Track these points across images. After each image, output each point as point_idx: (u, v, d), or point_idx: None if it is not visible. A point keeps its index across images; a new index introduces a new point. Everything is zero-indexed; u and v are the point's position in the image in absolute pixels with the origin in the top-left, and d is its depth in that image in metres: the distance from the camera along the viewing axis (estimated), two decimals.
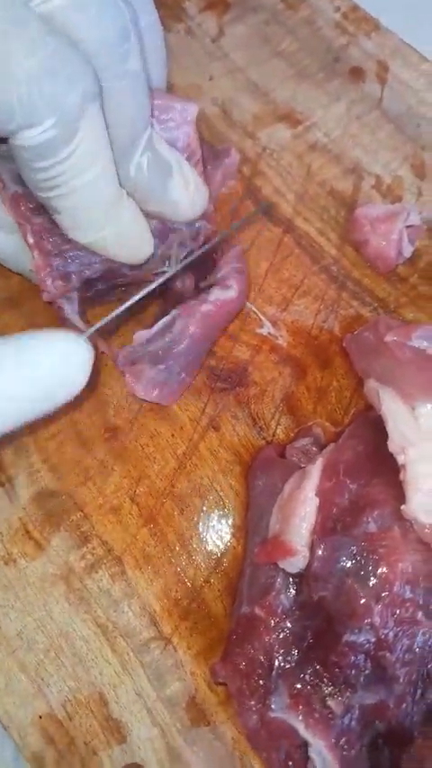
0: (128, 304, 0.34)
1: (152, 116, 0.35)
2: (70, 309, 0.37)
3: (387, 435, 0.34)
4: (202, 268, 0.41)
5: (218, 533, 0.38)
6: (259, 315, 0.43)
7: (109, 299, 0.41)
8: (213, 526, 0.38)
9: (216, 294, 0.39)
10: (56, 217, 0.35)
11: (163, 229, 0.38)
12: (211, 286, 0.40)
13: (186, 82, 0.50)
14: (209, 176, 0.42)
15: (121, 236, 0.36)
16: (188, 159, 0.37)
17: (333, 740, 0.30)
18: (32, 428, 0.41)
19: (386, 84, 0.49)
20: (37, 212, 0.35)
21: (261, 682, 0.32)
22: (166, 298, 0.41)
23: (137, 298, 0.34)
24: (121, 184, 0.35)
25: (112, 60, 0.31)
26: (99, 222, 0.35)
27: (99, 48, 0.30)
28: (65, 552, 0.38)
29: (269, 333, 0.42)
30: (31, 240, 0.35)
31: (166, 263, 0.39)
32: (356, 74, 0.50)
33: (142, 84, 0.34)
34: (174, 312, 0.38)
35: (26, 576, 0.38)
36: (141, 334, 0.39)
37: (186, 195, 0.37)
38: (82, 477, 0.40)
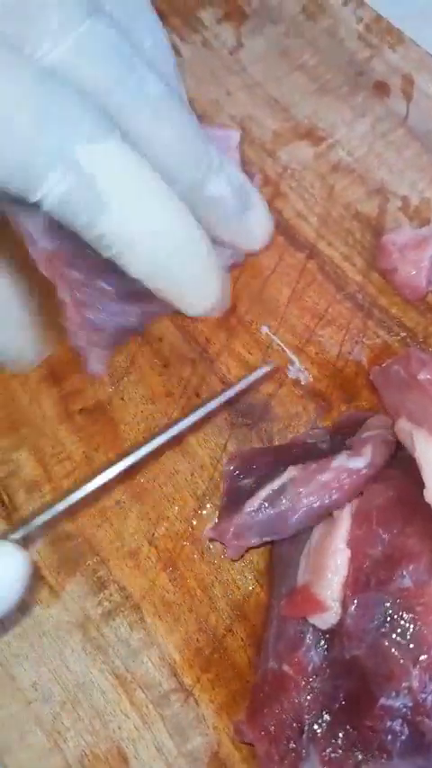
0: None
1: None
2: (95, 360, 0.35)
3: (421, 479, 0.33)
4: None
5: (241, 579, 0.37)
6: (282, 345, 0.41)
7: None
8: (236, 571, 0.37)
9: (341, 461, 0.33)
10: (125, 268, 0.32)
11: None
12: (343, 445, 0.35)
13: (204, 97, 0.48)
14: None
15: (195, 283, 0.34)
16: None
17: None
18: (45, 465, 0.39)
19: (412, 100, 0.47)
20: (73, 267, 0.34)
21: (291, 746, 0.30)
22: None
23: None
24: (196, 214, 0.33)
25: (127, 94, 0.29)
26: (170, 271, 0.32)
27: (109, 86, 0.28)
28: (81, 599, 0.36)
29: (292, 365, 0.40)
30: (66, 297, 0.34)
31: None
32: (381, 88, 0.47)
33: (175, 104, 0.32)
34: (287, 474, 0.33)
35: (41, 624, 0.36)
36: (253, 503, 0.34)
37: (262, 222, 0.36)
38: (98, 519, 0.38)
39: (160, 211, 0.31)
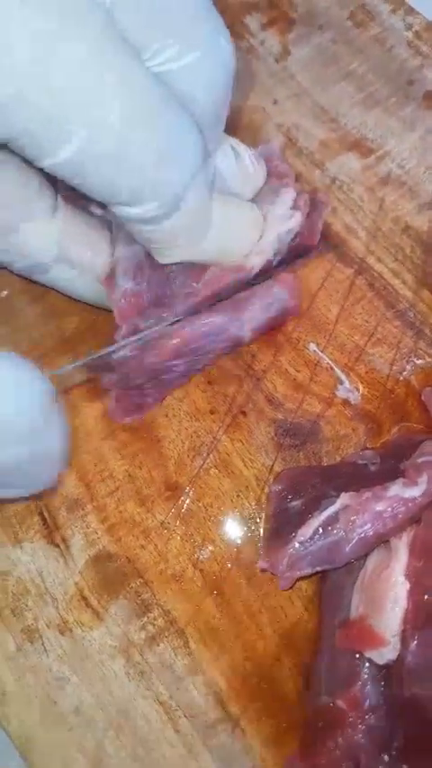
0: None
1: None
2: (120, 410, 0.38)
3: None
4: None
5: (288, 606, 0.36)
6: (332, 364, 0.40)
7: None
8: (283, 598, 0.36)
9: (397, 490, 0.32)
10: (150, 248, 0.33)
11: None
12: (395, 468, 0.34)
13: (249, 105, 0.47)
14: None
15: (221, 243, 0.34)
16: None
17: None
18: (88, 483, 0.38)
19: None
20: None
21: None
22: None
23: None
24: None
25: (215, 120, 0.29)
26: (194, 246, 0.33)
27: (207, 111, 0.28)
28: (124, 622, 0.36)
29: (342, 384, 0.39)
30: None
31: None
32: (431, 99, 0.46)
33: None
34: (340, 502, 0.33)
35: (83, 648, 0.35)
36: (305, 532, 0.33)
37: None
38: (142, 540, 0.37)
39: (201, 219, 0.32)
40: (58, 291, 0.38)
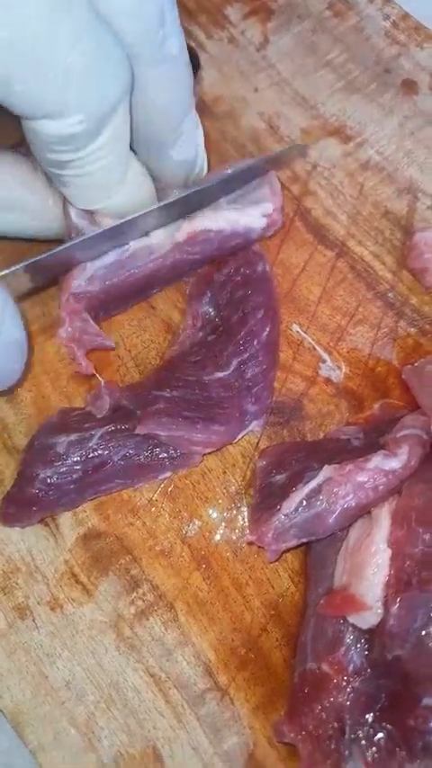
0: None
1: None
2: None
3: None
4: None
5: (275, 578, 0.36)
6: (314, 344, 0.41)
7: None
8: (270, 570, 0.37)
9: (378, 462, 0.33)
10: (62, 189, 0.34)
11: None
12: (376, 442, 0.35)
13: (231, 93, 0.47)
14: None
15: (127, 199, 0.35)
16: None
17: None
18: None
19: None
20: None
21: (333, 746, 0.30)
22: None
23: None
24: (154, 167, 0.35)
25: (149, 48, 0.29)
26: (107, 194, 0.34)
27: (136, 37, 0.29)
28: (114, 598, 0.36)
29: (324, 363, 0.40)
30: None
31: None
32: (409, 86, 0.47)
33: (181, 69, 0.33)
34: (323, 474, 0.34)
35: (74, 623, 0.36)
36: (289, 505, 0.34)
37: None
38: (130, 518, 0.38)
39: (118, 156, 0.32)
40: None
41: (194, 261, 0.40)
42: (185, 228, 0.38)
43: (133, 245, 0.38)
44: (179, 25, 0.31)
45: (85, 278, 0.38)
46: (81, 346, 0.38)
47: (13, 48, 0.25)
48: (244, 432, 0.38)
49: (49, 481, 0.36)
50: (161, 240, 0.38)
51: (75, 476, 0.37)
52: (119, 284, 0.39)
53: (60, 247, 0.35)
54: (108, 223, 0.36)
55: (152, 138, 0.34)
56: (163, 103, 0.33)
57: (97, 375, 0.39)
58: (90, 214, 0.36)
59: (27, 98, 0.27)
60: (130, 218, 0.36)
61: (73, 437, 0.37)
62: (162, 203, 0.36)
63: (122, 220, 0.36)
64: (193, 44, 0.48)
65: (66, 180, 0.33)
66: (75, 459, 0.37)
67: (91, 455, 0.37)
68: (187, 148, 0.36)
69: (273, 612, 0.36)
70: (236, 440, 0.38)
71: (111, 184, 0.33)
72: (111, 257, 0.38)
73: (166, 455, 0.37)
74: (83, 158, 0.31)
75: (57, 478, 0.36)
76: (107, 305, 0.40)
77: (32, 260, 0.34)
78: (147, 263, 0.39)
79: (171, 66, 0.32)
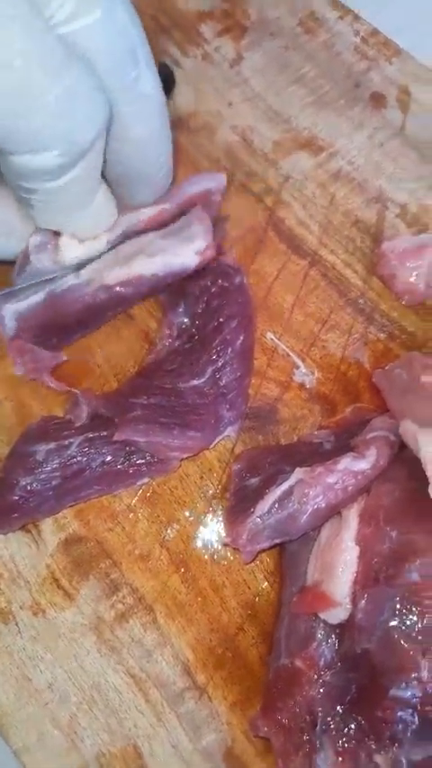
0: None
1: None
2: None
3: (425, 478, 0.34)
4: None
5: (251, 579, 0.37)
6: (288, 351, 0.42)
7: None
8: (246, 571, 0.38)
9: (347, 463, 0.35)
10: (26, 209, 0.35)
11: None
12: (347, 445, 0.36)
13: (205, 108, 0.49)
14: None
15: (87, 222, 0.37)
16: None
17: None
18: None
19: (408, 111, 0.48)
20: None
21: (305, 738, 0.31)
22: None
23: None
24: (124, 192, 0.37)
25: (121, 87, 0.31)
26: (71, 218, 0.35)
27: (108, 75, 0.30)
28: (94, 601, 0.37)
29: (298, 369, 0.42)
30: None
31: None
32: (378, 100, 0.49)
33: (156, 107, 0.34)
34: (294, 477, 0.35)
35: (56, 627, 0.37)
36: (263, 507, 0.35)
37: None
38: (110, 523, 0.39)
39: (89, 188, 0.34)
40: None
41: (128, 297, 0.41)
42: (117, 275, 0.39)
43: (61, 283, 0.39)
44: (153, 65, 0.33)
45: (12, 321, 0.40)
46: (41, 373, 0.40)
47: None
48: (219, 437, 0.39)
49: (29, 488, 0.37)
50: (91, 279, 0.39)
51: (54, 482, 0.38)
52: (56, 320, 0.40)
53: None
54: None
55: (128, 171, 0.36)
56: (138, 139, 0.34)
57: (71, 389, 0.40)
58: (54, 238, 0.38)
59: (4, 134, 0.28)
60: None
61: (52, 445, 0.38)
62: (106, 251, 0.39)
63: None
64: (168, 61, 0.50)
65: (33, 203, 0.34)
66: (54, 466, 0.38)
67: (69, 462, 0.38)
68: (162, 180, 0.38)
69: (249, 612, 0.37)
70: (212, 445, 0.39)
71: (76, 209, 0.34)
72: (39, 296, 0.40)
73: (143, 461, 0.38)
74: (54, 188, 0.32)
75: (36, 485, 0.37)
76: (56, 335, 0.41)
77: None
78: (77, 300, 0.40)
79: (145, 104, 0.33)
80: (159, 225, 0.40)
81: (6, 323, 0.39)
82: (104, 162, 0.34)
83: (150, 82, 0.33)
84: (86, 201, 0.34)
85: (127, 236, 0.40)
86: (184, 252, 0.39)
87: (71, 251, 0.38)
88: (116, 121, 0.32)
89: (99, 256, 0.40)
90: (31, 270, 0.38)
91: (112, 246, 0.40)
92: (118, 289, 0.39)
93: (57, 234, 0.38)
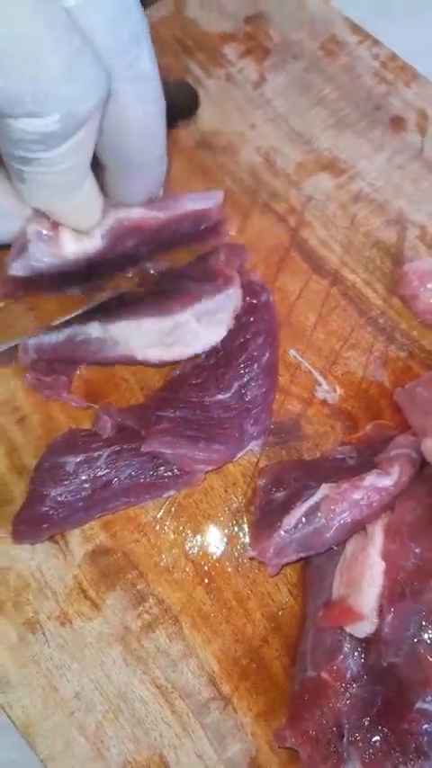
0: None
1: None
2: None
3: None
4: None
5: (275, 591, 0.38)
6: (310, 368, 0.43)
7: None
8: (270, 584, 0.38)
9: (372, 480, 0.35)
10: (17, 184, 0.35)
11: None
12: (370, 461, 0.38)
13: (229, 129, 0.50)
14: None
15: (76, 208, 0.36)
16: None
17: None
18: None
19: (427, 134, 0.50)
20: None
21: (332, 749, 0.32)
22: None
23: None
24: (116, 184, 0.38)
25: (122, 63, 0.31)
26: (60, 197, 0.35)
27: (110, 51, 0.30)
28: (121, 612, 0.38)
29: (320, 386, 0.42)
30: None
31: None
32: (397, 123, 0.50)
33: (154, 89, 0.34)
34: (320, 492, 0.36)
35: (83, 637, 0.37)
36: (290, 521, 0.36)
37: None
38: (136, 535, 0.39)
39: (83, 161, 0.34)
40: None
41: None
42: (153, 353, 0.40)
43: (82, 331, 0.41)
44: (153, 52, 0.33)
45: (33, 354, 0.41)
46: (59, 392, 0.42)
47: None
48: (243, 451, 0.40)
49: (59, 499, 0.38)
50: (115, 342, 0.41)
51: (83, 494, 0.38)
52: (73, 358, 0.42)
53: None
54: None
55: (121, 156, 0.36)
56: (134, 120, 0.34)
57: (91, 404, 0.42)
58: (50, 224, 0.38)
59: (7, 95, 0.28)
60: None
61: (81, 457, 0.39)
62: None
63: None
64: (192, 81, 0.51)
65: (25, 176, 0.34)
66: (83, 477, 0.39)
67: (98, 474, 0.39)
68: (154, 172, 0.38)
69: (273, 624, 0.38)
70: (236, 459, 0.40)
71: (68, 187, 0.35)
72: (59, 336, 0.41)
73: (169, 474, 0.39)
74: (51, 158, 0.32)
75: (66, 497, 0.38)
76: (74, 363, 0.43)
77: None
78: (95, 354, 0.41)
79: (144, 84, 0.34)
80: (148, 232, 0.41)
81: (28, 353, 0.41)
82: (97, 147, 0.34)
83: (150, 63, 0.33)
84: (77, 182, 0.35)
85: (162, 275, 0.42)
86: (218, 333, 0.41)
87: (71, 246, 0.38)
88: (114, 101, 0.33)
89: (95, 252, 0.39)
90: (28, 258, 0.38)
91: (116, 255, 0.40)
92: (141, 358, 0.41)
93: (56, 225, 0.38)
